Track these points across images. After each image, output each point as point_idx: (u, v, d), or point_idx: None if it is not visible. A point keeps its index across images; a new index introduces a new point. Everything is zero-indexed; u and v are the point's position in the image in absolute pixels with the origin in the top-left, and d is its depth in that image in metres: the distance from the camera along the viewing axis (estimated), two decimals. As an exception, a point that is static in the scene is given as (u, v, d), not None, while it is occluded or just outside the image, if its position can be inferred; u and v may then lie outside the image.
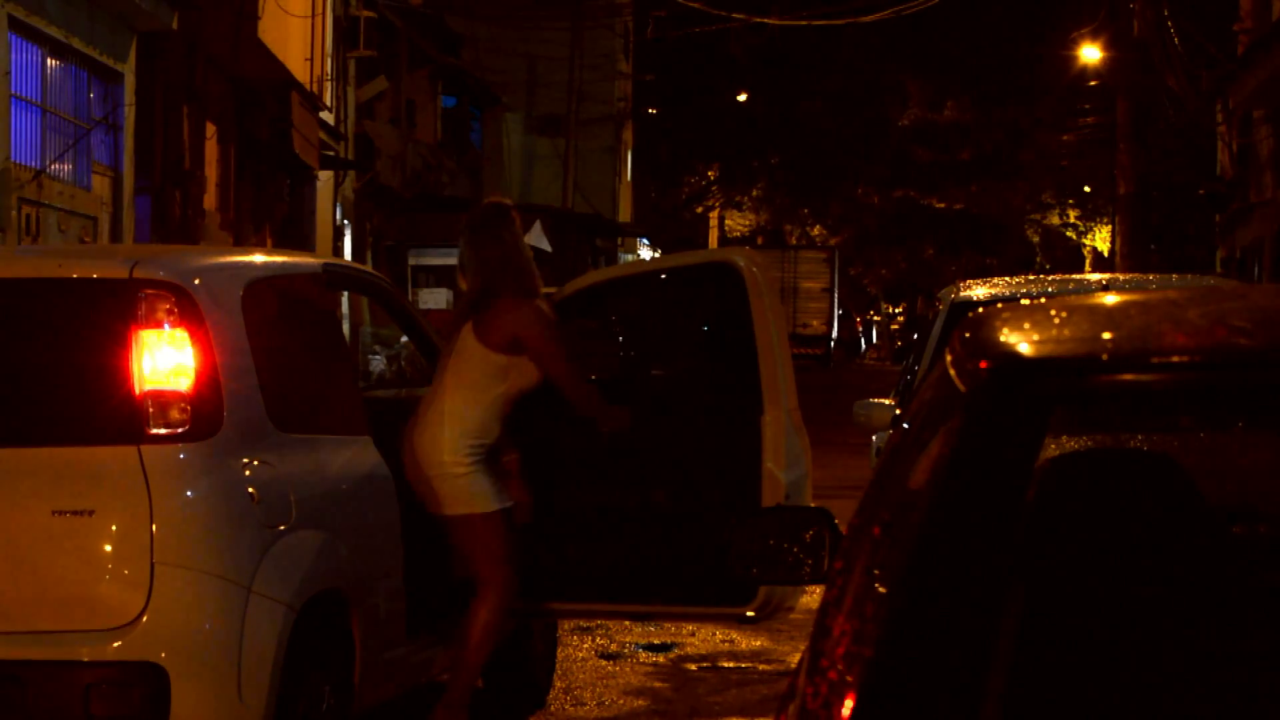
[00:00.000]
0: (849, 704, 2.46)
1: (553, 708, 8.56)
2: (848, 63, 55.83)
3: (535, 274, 7.42)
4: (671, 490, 7.39)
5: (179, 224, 20.64)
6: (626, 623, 10.19)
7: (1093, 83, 43.18)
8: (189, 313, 6.04)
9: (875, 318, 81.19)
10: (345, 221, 33.49)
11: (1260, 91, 28.65)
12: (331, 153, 29.91)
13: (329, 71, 29.39)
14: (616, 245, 55.04)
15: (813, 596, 9.01)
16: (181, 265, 6.31)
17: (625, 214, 56.85)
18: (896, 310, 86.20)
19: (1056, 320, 2.89)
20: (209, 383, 6.02)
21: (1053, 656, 2.64)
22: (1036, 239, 63.67)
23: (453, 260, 38.14)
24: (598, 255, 51.33)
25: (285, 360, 6.64)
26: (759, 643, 10.18)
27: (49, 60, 17.08)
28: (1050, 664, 2.63)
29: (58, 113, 17.39)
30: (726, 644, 10.21)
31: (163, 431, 5.93)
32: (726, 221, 68.17)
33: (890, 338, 64.02)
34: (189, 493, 5.95)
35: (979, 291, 10.63)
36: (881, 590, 2.61)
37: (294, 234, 28.05)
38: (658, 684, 9.23)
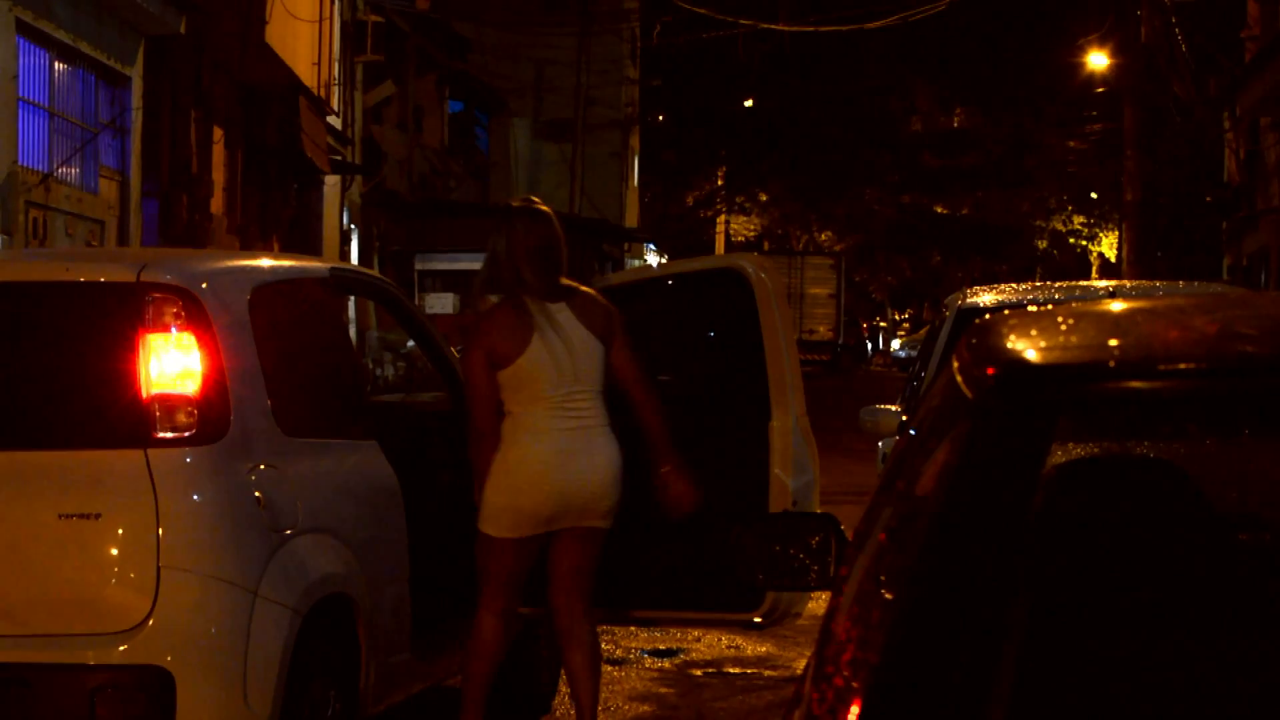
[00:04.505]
0: (854, 710, 2.46)
1: (558, 713, 8.56)
2: (856, 69, 55.85)
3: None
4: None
5: (186, 228, 20.67)
6: (632, 628, 10.19)
7: (1100, 89, 43.19)
8: (196, 317, 6.04)
9: (881, 324, 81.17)
10: (352, 226, 33.53)
11: (1267, 99, 28.67)
12: (339, 157, 29.94)
13: (336, 76, 29.42)
14: (623, 251, 55.06)
15: (819, 602, 9.00)
16: (189, 269, 6.31)
17: (632, 219, 56.88)
18: (902, 317, 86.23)
19: (1063, 327, 2.89)
20: (216, 387, 6.02)
21: (1059, 664, 2.64)
22: (1044, 245, 63.69)
23: (459, 265, 38.28)
24: (605, 261, 51.35)
25: (292, 364, 6.64)
26: (765, 648, 10.18)
27: (57, 64, 17.11)
28: (1056, 671, 2.63)
29: (65, 116, 17.41)
30: (732, 650, 10.21)
31: (169, 435, 5.94)
32: (733, 226, 68.20)
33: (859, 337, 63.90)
34: (195, 496, 5.95)
35: (985, 298, 10.60)
36: (888, 597, 2.61)
37: (301, 238, 28.08)
38: (663, 689, 9.23)
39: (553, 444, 6.96)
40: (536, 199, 7.42)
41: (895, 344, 64.00)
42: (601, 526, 7.11)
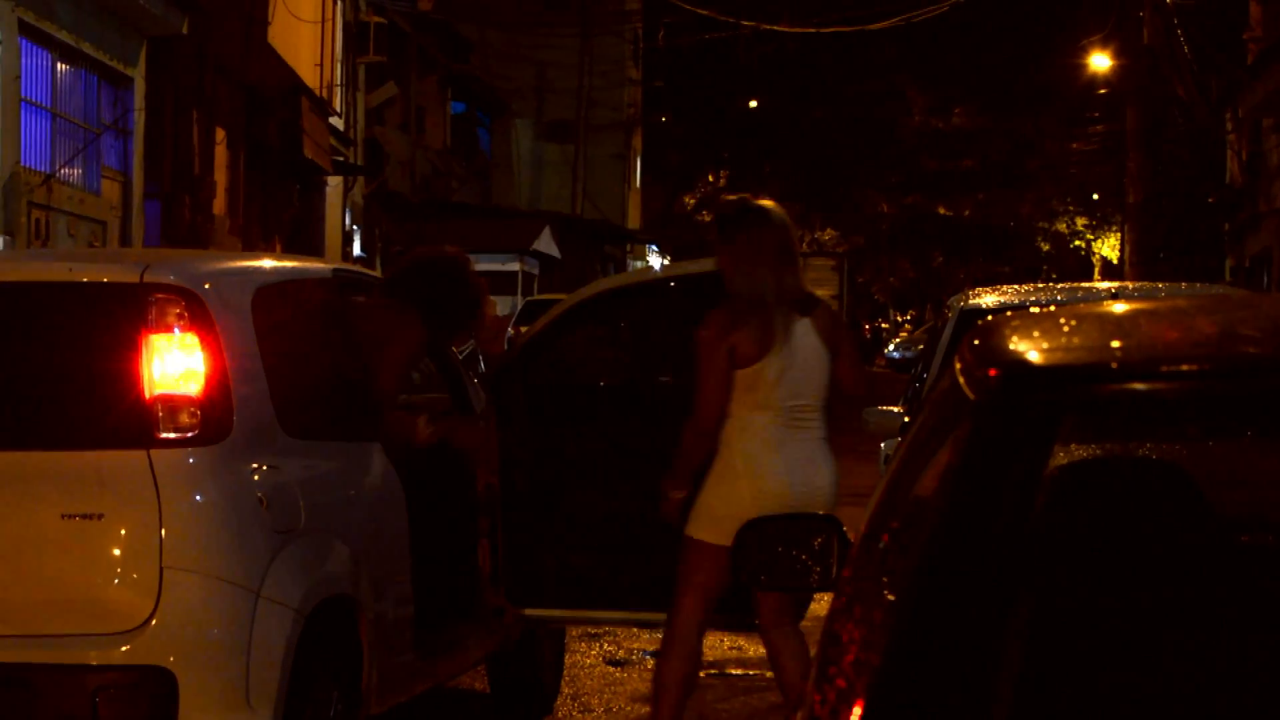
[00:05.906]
0: (857, 712, 2.47)
1: (560, 714, 8.56)
2: (857, 70, 55.84)
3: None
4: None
5: (188, 229, 20.67)
6: (634, 629, 10.18)
7: (1102, 91, 43.17)
8: (199, 317, 6.04)
9: (884, 325, 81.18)
10: (354, 227, 33.54)
11: (1270, 100, 28.68)
12: (341, 158, 29.95)
13: (339, 77, 29.45)
14: (625, 252, 55.04)
15: (821, 604, 8.99)
16: (192, 270, 6.31)
17: (634, 220, 56.88)
18: (905, 318, 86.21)
19: (1066, 328, 2.89)
20: (219, 387, 6.02)
21: (1061, 665, 2.64)
22: (1046, 247, 63.69)
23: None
24: (607, 262, 51.34)
25: (295, 365, 6.64)
26: (767, 650, 10.17)
27: (59, 65, 17.12)
28: (1058, 672, 2.64)
29: (68, 117, 17.42)
30: (734, 651, 10.20)
31: (172, 436, 5.93)
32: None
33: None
34: (198, 497, 5.95)
35: (988, 299, 10.58)
36: (890, 598, 2.61)
37: (303, 239, 28.09)
38: (665, 690, 9.21)
39: (788, 454, 6.78)
40: (748, 196, 7.31)
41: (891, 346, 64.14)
42: None
